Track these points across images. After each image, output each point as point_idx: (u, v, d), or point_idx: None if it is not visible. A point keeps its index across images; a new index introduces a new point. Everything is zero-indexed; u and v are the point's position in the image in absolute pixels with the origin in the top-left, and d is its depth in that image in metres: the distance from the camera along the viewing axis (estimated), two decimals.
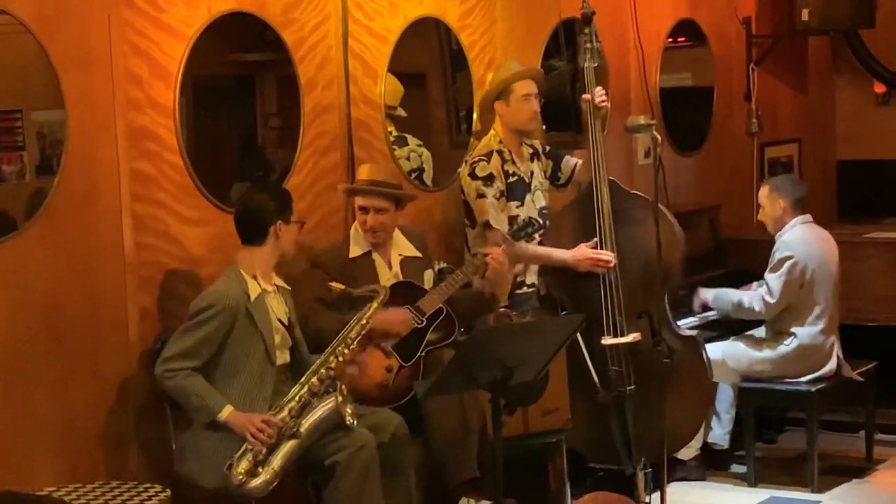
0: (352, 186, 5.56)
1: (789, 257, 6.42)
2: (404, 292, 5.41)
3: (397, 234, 5.57)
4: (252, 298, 4.84)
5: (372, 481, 4.86)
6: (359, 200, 5.47)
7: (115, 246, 4.95)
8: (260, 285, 4.89)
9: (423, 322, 5.40)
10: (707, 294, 6.69)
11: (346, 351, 4.92)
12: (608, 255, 5.90)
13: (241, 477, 4.66)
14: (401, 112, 6.13)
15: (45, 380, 4.70)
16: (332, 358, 4.89)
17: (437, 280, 5.59)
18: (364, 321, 4.96)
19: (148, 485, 4.70)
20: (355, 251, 5.49)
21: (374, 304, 5.01)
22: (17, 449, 4.60)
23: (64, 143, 4.75)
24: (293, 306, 5.06)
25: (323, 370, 4.87)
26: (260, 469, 4.70)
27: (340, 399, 4.82)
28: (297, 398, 4.81)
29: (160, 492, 4.62)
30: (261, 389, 4.84)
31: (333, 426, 4.83)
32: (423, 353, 5.39)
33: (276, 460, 4.72)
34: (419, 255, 5.60)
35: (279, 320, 4.93)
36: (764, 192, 6.64)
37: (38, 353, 4.68)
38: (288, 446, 4.75)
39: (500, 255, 5.50)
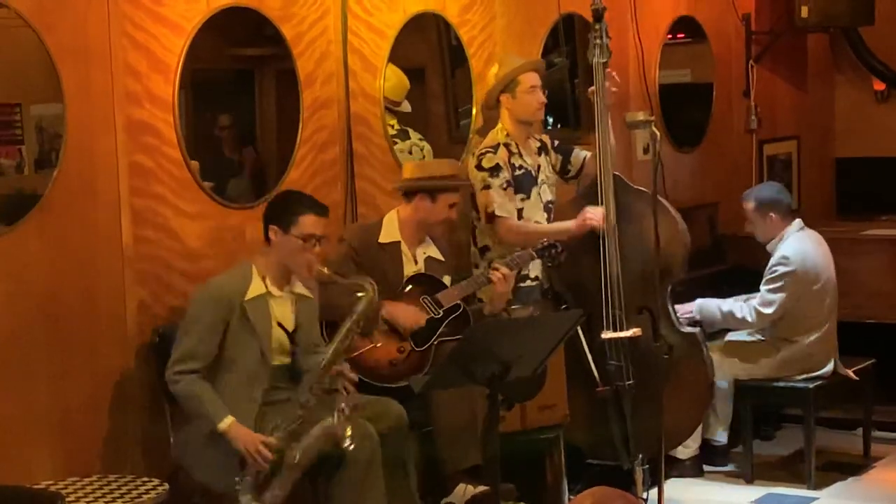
0: (458, 183, 5.67)
1: (790, 273, 6.37)
2: (426, 284, 5.54)
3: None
4: (249, 297, 4.79)
5: (375, 473, 4.85)
6: (452, 198, 5.59)
7: (114, 239, 4.95)
8: (266, 286, 4.83)
9: (439, 313, 5.49)
10: (691, 306, 6.54)
11: (342, 362, 4.83)
12: (599, 210, 5.92)
13: (246, 500, 4.60)
14: (406, 107, 6.14)
15: (42, 373, 4.70)
16: (326, 373, 4.76)
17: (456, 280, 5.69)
18: (355, 323, 4.81)
19: (145, 478, 4.70)
20: (386, 237, 5.57)
21: (362, 305, 4.83)
22: (15, 442, 4.60)
23: (63, 137, 4.75)
24: (310, 315, 4.97)
25: (322, 387, 4.75)
26: (266, 493, 4.64)
27: (340, 419, 4.66)
28: (293, 418, 4.69)
29: (158, 485, 4.62)
30: (249, 390, 4.77)
31: (330, 447, 4.71)
32: (434, 343, 5.47)
33: (280, 486, 4.65)
34: (442, 259, 5.70)
35: (280, 325, 4.86)
36: (750, 209, 6.56)
37: (35, 347, 4.68)
38: (290, 473, 4.67)
39: (504, 276, 5.57)
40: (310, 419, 4.70)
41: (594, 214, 5.93)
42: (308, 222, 4.81)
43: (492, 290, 5.62)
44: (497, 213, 5.91)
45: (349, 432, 4.68)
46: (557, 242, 5.76)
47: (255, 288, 4.82)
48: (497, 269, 5.57)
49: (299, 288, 4.95)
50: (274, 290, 4.86)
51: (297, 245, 4.81)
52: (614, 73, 6.04)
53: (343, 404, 4.68)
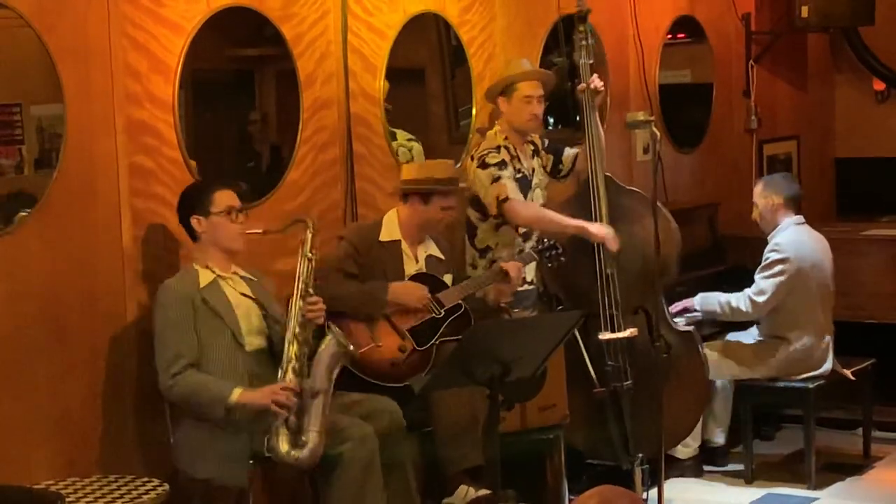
0: (449, 187, 5.66)
1: (783, 260, 6.38)
2: (427, 284, 5.56)
3: None
4: (202, 285, 4.86)
5: (374, 473, 4.86)
6: (445, 201, 5.61)
7: (114, 240, 4.95)
8: (214, 272, 4.91)
9: (440, 313, 5.49)
10: (692, 300, 6.54)
11: (310, 290, 4.88)
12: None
13: (286, 451, 4.65)
14: (385, 106, 6.13)
15: (42, 373, 4.70)
16: (301, 303, 4.84)
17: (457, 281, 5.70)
18: (308, 255, 4.90)
19: (146, 478, 4.70)
20: (386, 236, 5.59)
21: (309, 234, 4.92)
22: (15, 442, 4.60)
23: (63, 137, 4.75)
24: (265, 293, 5.03)
25: (301, 317, 4.82)
26: (302, 437, 4.69)
27: (336, 332, 4.82)
28: (293, 357, 4.77)
29: (158, 485, 4.62)
30: (233, 376, 4.79)
31: (342, 361, 4.84)
32: (436, 342, 5.47)
33: (313, 423, 4.70)
34: (443, 258, 5.71)
35: (244, 294, 4.93)
36: (758, 190, 6.60)
37: (35, 347, 4.68)
38: (316, 404, 4.72)
39: (515, 269, 5.63)
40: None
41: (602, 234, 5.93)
42: (223, 197, 4.93)
43: (497, 285, 5.63)
44: (511, 195, 5.88)
45: (343, 339, 4.83)
46: (558, 244, 5.77)
47: (205, 277, 4.90)
48: (505, 266, 5.62)
49: (243, 272, 5.02)
50: (223, 273, 4.93)
51: (223, 221, 4.92)
52: (596, 76, 6.05)
53: (327, 324, 4.88)
